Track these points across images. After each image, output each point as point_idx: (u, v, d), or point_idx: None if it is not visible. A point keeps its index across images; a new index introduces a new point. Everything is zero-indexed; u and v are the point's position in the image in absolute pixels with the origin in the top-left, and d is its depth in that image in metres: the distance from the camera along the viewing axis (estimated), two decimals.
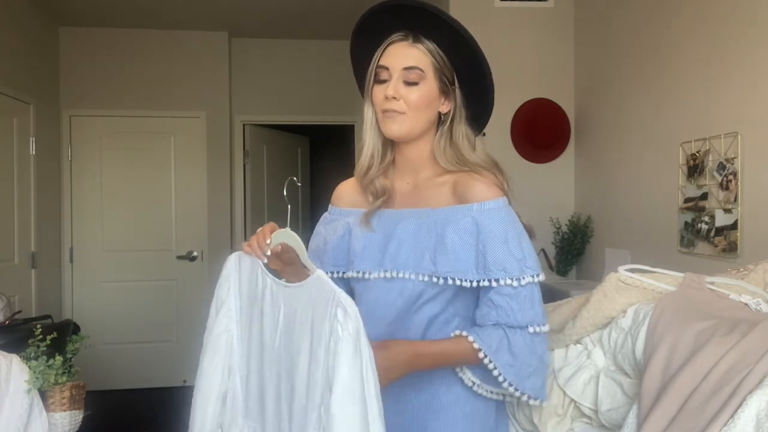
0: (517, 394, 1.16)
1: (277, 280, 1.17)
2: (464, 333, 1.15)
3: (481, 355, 1.13)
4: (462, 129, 1.25)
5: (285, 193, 1.25)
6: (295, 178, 1.37)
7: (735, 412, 0.99)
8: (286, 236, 1.18)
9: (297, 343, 1.12)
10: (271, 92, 5.12)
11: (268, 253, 1.17)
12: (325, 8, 4.40)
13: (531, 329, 1.16)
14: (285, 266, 1.23)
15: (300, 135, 5.84)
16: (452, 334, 1.18)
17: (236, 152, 5.08)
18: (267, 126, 5.32)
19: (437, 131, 1.26)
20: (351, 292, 1.29)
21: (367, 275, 1.23)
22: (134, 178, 4.80)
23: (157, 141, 4.84)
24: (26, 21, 4.16)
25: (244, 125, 5.12)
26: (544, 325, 1.18)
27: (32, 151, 4.12)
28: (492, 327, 1.15)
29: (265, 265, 1.20)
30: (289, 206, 1.27)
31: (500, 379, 1.14)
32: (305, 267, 1.17)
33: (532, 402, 1.20)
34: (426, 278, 1.18)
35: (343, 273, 1.29)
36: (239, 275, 1.23)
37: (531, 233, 1.27)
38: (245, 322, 1.22)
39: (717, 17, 2.43)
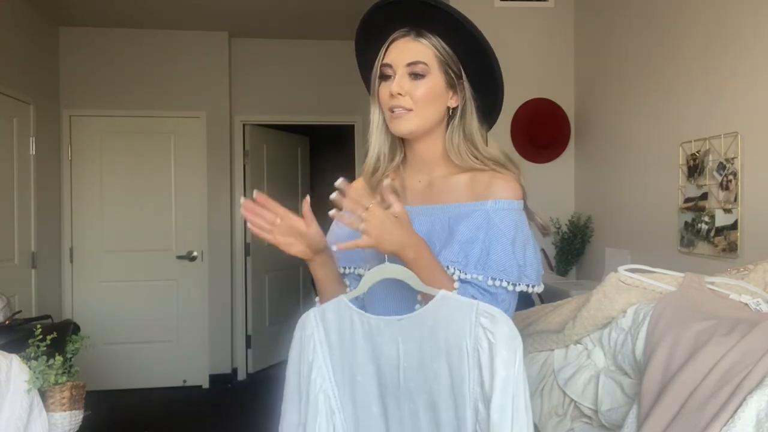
0: None
1: (385, 317, 1.10)
2: (456, 280, 1.12)
3: None
4: (475, 123, 1.23)
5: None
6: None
7: (735, 412, 0.99)
8: (394, 271, 1.10)
9: (432, 370, 1.08)
10: (271, 92, 5.12)
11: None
12: (325, 8, 4.41)
13: None
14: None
15: (300, 135, 5.84)
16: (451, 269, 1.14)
17: (236, 152, 5.08)
18: (267, 126, 5.31)
19: (447, 127, 1.24)
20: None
21: None
22: (134, 178, 4.80)
23: (157, 141, 4.84)
24: (26, 21, 4.16)
25: (244, 125, 5.11)
26: None
27: (32, 151, 4.13)
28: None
29: (359, 307, 1.13)
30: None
31: None
32: (419, 292, 1.12)
33: None
34: None
35: (355, 269, 1.28)
36: (323, 329, 1.16)
37: (547, 231, 1.26)
38: (343, 374, 1.16)
39: (717, 17, 2.43)
